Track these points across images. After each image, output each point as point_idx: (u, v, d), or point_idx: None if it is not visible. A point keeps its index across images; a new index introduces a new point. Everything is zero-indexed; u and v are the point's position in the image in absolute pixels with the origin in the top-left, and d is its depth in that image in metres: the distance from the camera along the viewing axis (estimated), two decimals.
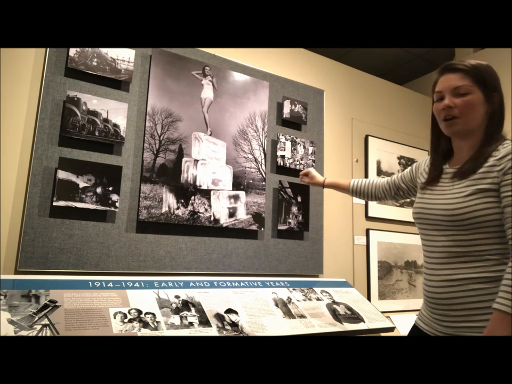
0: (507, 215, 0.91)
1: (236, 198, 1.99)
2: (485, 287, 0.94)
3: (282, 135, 2.19)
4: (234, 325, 1.52)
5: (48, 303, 1.32)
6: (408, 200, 2.65)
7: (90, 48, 1.68)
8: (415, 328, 1.15)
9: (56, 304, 1.33)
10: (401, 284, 2.58)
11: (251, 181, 2.05)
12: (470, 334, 0.95)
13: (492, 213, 0.93)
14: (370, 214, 2.54)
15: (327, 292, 2.00)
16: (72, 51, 1.64)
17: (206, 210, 1.89)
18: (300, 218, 2.18)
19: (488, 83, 1.01)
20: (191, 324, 1.45)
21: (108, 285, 1.52)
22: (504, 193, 0.92)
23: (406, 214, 2.69)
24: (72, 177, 1.59)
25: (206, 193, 1.90)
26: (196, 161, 1.90)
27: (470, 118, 1.00)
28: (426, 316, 1.08)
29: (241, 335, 1.49)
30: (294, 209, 2.17)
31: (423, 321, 1.11)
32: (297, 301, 1.84)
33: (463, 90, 1.00)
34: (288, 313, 1.72)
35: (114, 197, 1.66)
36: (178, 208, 1.81)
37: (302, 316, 1.73)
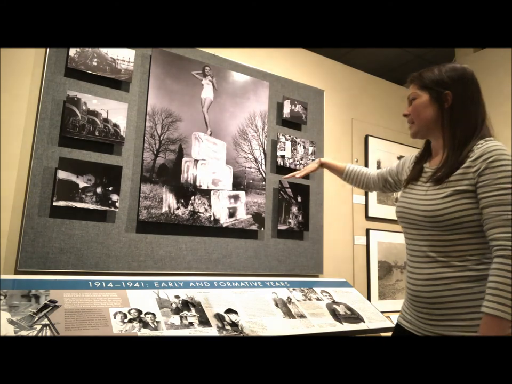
0: (486, 216, 0.92)
1: (236, 198, 1.99)
2: (467, 286, 0.95)
3: (282, 135, 2.19)
4: (234, 325, 1.52)
5: (48, 303, 1.32)
6: None
7: (90, 48, 1.68)
8: (398, 327, 1.14)
9: (56, 304, 1.33)
10: (401, 284, 2.58)
11: (251, 181, 2.05)
12: (454, 333, 0.95)
13: (469, 214, 0.95)
14: (370, 214, 2.54)
15: (327, 292, 2.00)
16: (72, 51, 1.64)
17: (206, 210, 1.89)
18: (300, 218, 2.18)
19: (434, 83, 1.05)
20: (191, 323, 1.45)
21: (108, 285, 1.52)
22: (481, 194, 0.93)
23: None
24: (72, 177, 1.59)
25: (206, 193, 1.90)
26: (196, 161, 1.90)
27: (420, 119, 1.08)
28: (410, 314, 1.08)
29: (241, 335, 1.49)
30: (294, 209, 2.17)
31: (406, 320, 1.10)
32: (297, 301, 1.84)
33: (411, 97, 1.11)
34: (288, 313, 1.72)
35: (114, 197, 1.66)
36: (178, 208, 1.81)
37: (302, 316, 1.73)
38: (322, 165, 1.50)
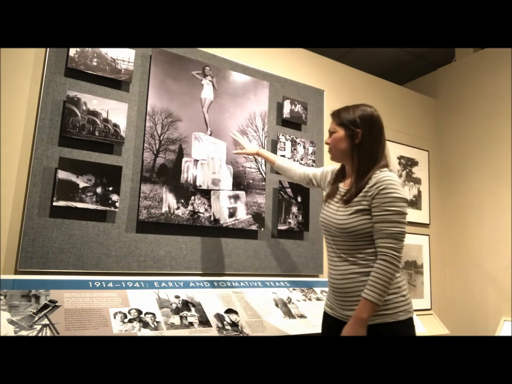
0: (375, 229, 1.22)
1: (236, 198, 1.99)
2: (367, 279, 1.22)
3: (282, 135, 2.19)
4: (234, 325, 1.52)
5: (48, 303, 1.32)
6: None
7: (90, 48, 1.68)
8: (324, 313, 1.40)
9: (56, 304, 1.33)
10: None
11: (251, 181, 2.05)
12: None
13: (367, 227, 1.23)
14: None
15: (327, 292, 2.00)
16: (72, 51, 1.64)
17: (206, 210, 1.89)
18: (300, 218, 2.18)
19: (349, 123, 1.31)
20: (191, 323, 1.45)
21: (108, 285, 1.52)
22: (373, 213, 1.22)
23: None
24: (72, 177, 1.59)
25: (206, 193, 1.90)
26: (196, 161, 1.90)
27: (336, 149, 1.35)
28: (331, 301, 1.35)
29: (241, 335, 1.49)
30: (294, 209, 2.17)
31: (329, 307, 1.37)
32: (297, 301, 1.84)
33: (331, 130, 1.37)
34: (288, 313, 1.72)
35: (114, 197, 1.66)
36: (178, 208, 1.81)
37: (302, 316, 1.73)
38: (258, 154, 1.79)
